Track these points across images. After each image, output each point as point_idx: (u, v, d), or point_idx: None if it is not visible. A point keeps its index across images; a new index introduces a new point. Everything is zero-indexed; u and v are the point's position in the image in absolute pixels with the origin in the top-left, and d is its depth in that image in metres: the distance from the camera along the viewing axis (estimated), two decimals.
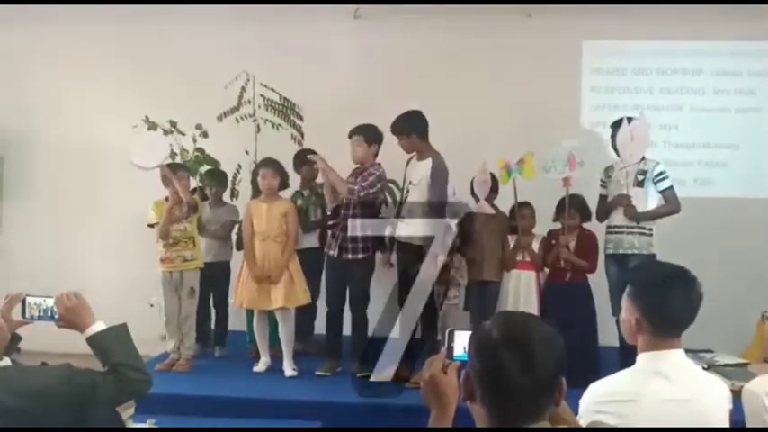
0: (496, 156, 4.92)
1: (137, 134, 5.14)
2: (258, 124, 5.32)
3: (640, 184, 4.64)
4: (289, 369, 4.75)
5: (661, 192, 4.66)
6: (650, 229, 4.64)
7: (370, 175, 4.73)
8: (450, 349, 1.69)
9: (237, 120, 5.35)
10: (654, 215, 4.65)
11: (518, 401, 1.44)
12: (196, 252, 4.93)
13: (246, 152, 5.25)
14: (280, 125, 5.34)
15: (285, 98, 5.44)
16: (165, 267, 4.85)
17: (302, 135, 5.53)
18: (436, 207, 4.54)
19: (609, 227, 4.75)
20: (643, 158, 4.69)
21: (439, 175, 4.58)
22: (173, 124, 5.31)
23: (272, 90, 5.15)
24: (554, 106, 5.73)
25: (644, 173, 4.64)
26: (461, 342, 1.65)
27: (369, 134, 4.76)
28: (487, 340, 1.48)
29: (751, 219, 5.79)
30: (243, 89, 5.28)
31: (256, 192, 5.00)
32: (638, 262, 4.40)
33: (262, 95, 5.33)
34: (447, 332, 1.73)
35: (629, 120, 4.63)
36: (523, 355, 1.43)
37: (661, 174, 4.65)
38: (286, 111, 5.48)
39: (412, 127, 4.67)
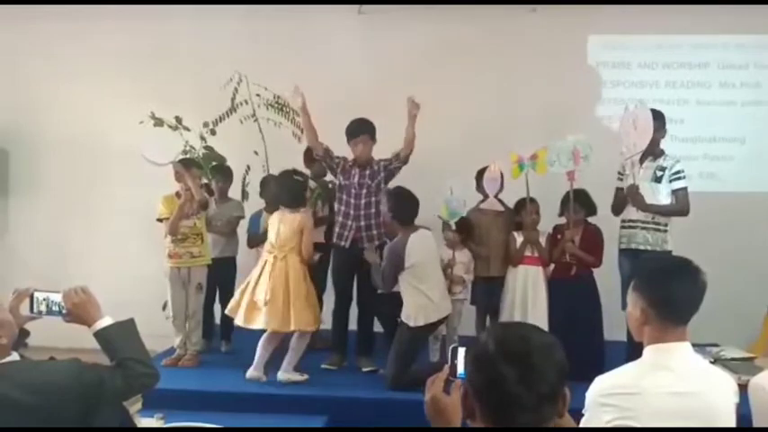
0: (500, 150, 4.92)
1: (147, 130, 5.13)
2: (260, 125, 5.31)
3: (659, 179, 4.57)
4: (282, 373, 4.43)
5: (674, 191, 4.58)
6: (665, 225, 4.57)
7: (380, 162, 4.83)
8: (454, 367, 1.64)
9: (241, 121, 5.35)
10: (660, 210, 4.57)
11: (519, 415, 1.39)
12: (204, 249, 4.94)
13: (256, 153, 5.23)
14: (280, 123, 5.32)
15: (278, 96, 5.41)
16: (173, 263, 4.87)
17: (302, 131, 5.51)
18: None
19: (623, 221, 4.70)
20: (663, 154, 4.61)
21: (386, 257, 4.48)
22: (178, 120, 5.32)
23: (265, 89, 5.14)
24: (559, 100, 5.72)
25: (663, 169, 4.57)
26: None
27: (372, 131, 4.80)
28: (484, 353, 1.44)
29: (757, 213, 5.77)
30: (236, 90, 5.27)
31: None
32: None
33: (258, 95, 5.33)
34: (450, 349, 1.69)
35: (631, 109, 4.56)
36: (522, 367, 1.39)
37: (678, 173, 4.57)
38: (283, 108, 5.47)
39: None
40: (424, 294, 4.40)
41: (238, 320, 4.53)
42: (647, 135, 4.44)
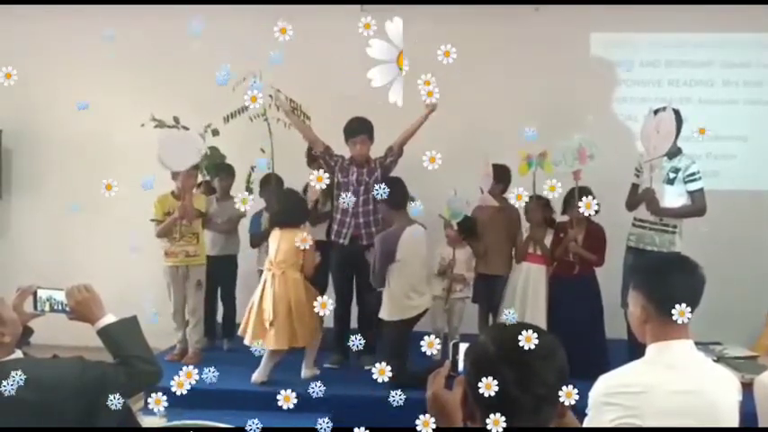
0: (502, 149, 4.91)
1: (167, 132, 5.07)
2: (269, 124, 5.32)
3: (671, 181, 4.54)
4: (306, 371, 4.60)
5: (690, 192, 4.53)
6: (674, 227, 4.54)
7: (376, 160, 4.86)
8: (455, 362, 1.63)
9: (251, 119, 5.34)
10: (676, 213, 4.54)
11: (520, 417, 1.38)
12: (199, 248, 4.95)
13: (262, 150, 5.22)
14: (291, 125, 5.32)
15: (291, 99, 5.40)
16: (170, 261, 4.89)
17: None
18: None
19: (635, 219, 4.69)
20: (681, 153, 4.57)
21: (377, 247, 4.47)
22: (176, 120, 5.31)
23: (278, 91, 5.16)
24: (561, 99, 5.71)
25: (677, 170, 4.54)
26: None
27: (371, 131, 4.82)
28: (483, 355, 1.43)
29: (760, 210, 5.77)
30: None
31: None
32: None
33: (270, 95, 5.34)
34: (451, 345, 1.67)
35: (656, 112, 4.51)
36: (522, 369, 1.38)
37: (694, 174, 4.52)
38: (294, 111, 5.45)
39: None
40: (402, 292, 4.43)
41: (247, 341, 4.47)
42: (668, 140, 4.39)
